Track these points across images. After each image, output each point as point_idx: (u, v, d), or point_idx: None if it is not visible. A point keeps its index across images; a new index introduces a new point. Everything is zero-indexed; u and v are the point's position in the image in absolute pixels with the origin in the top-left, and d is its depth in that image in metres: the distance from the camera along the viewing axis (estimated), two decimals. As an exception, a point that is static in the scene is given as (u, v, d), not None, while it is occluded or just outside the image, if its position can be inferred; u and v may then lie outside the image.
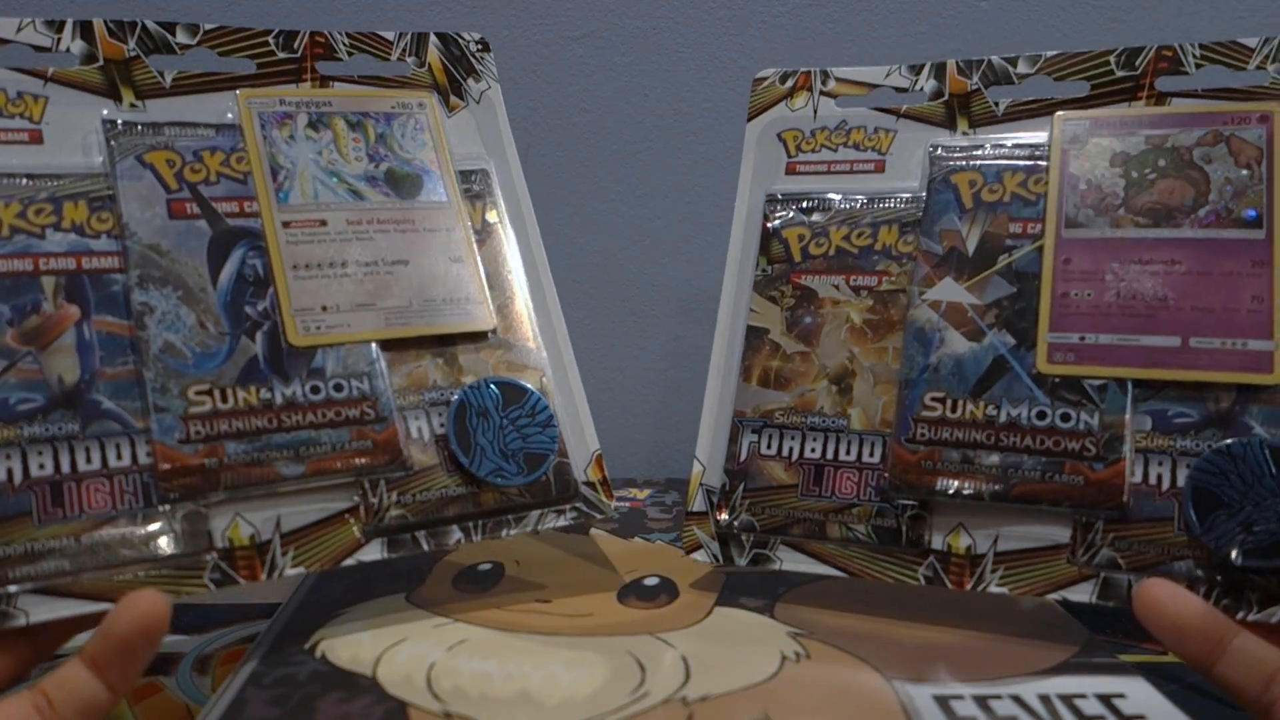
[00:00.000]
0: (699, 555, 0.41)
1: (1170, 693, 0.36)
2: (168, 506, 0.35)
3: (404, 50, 0.45)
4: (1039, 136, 0.41)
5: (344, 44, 0.44)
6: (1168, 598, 0.33)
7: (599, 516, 0.43)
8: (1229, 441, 0.35)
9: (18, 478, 0.34)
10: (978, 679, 0.37)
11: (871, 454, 0.39)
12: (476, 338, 0.43)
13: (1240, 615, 0.34)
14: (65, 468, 0.35)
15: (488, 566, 0.48)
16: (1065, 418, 0.37)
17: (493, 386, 0.42)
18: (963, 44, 0.70)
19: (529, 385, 0.43)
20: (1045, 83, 0.42)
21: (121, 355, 0.36)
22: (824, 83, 0.44)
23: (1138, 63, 0.41)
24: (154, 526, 0.35)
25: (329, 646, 0.40)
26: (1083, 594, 0.36)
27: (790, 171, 0.44)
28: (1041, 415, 0.37)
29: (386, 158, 0.43)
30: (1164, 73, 0.40)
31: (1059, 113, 0.41)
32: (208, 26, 0.42)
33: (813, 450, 0.40)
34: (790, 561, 0.40)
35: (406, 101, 0.45)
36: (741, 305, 0.43)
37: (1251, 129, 0.38)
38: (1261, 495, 0.34)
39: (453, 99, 0.46)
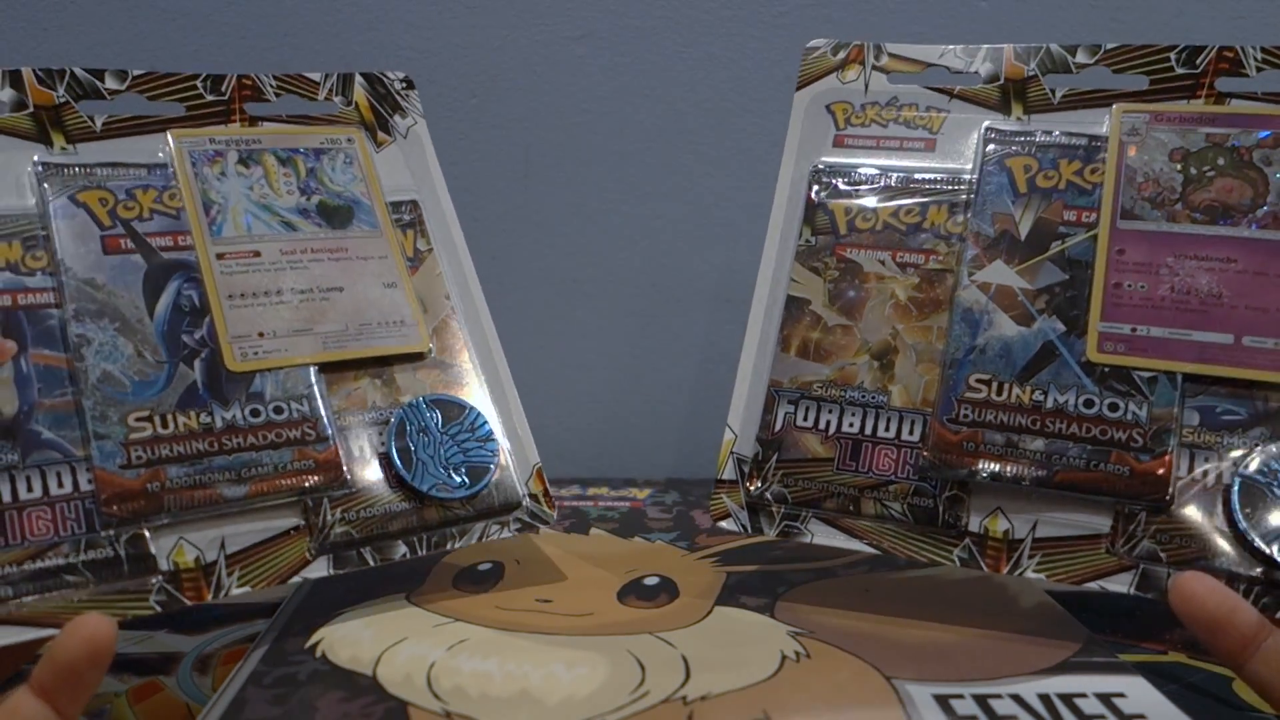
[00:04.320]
0: (727, 524, 0.40)
1: (1170, 693, 0.36)
2: (111, 531, 0.36)
3: (330, 90, 0.47)
4: (1096, 127, 0.41)
5: (271, 85, 0.46)
6: (1205, 591, 0.33)
7: (542, 527, 0.44)
8: (1279, 442, 0.35)
9: None
10: (978, 679, 0.37)
11: (911, 432, 0.39)
12: (413, 359, 0.44)
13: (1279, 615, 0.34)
14: (6, 497, 0.35)
15: (488, 566, 0.48)
16: (1113, 407, 0.36)
17: (430, 404, 0.43)
18: (962, 43, 0.70)
19: (467, 401, 0.44)
20: (1103, 74, 0.42)
21: (60, 387, 0.37)
22: (877, 57, 0.44)
23: (1198, 61, 0.41)
24: (97, 552, 0.35)
25: (329, 646, 0.40)
26: (1121, 584, 0.36)
27: (838, 144, 0.44)
28: (1089, 403, 0.37)
29: (317, 190, 0.45)
30: (1224, 73, 0.41)
31: (1118, 104, 0.41)
32: (136, 72, 0.44)
33: (851, 425, 0.39)
34: (821, 535, 0.39)
35: (335, 137, 0.46)
36: (782, 275, 0.42)
37: None
38: None
39: (380, 135, 0.48)
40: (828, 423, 0.40)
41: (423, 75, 0.70)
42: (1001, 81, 0.43)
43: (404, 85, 0.49)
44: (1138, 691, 0.36)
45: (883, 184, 0.42)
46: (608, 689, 0.36)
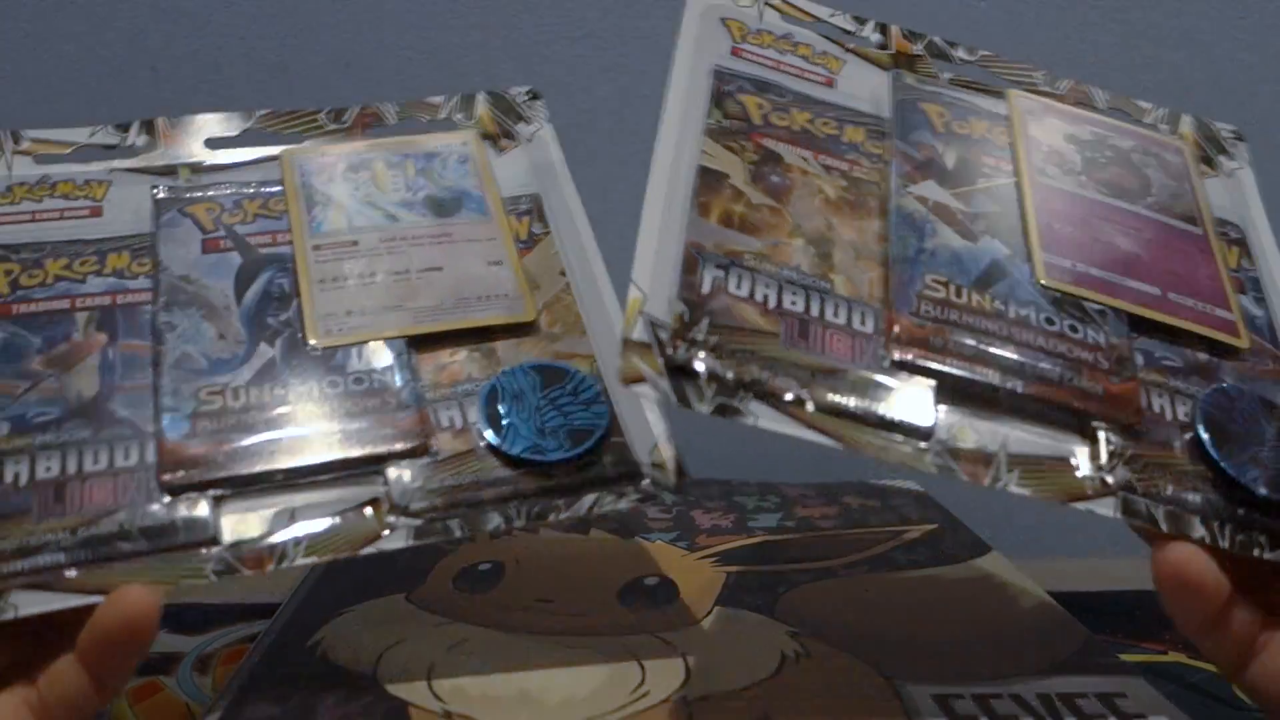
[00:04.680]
0: (641, 389, 0.33)
1: (1170, 693, 0.36)
2: (169, 498, 0.35)
3: (452, 110, 0.47)
4: (992, 105, 0.42)
5: (393, 111, 0.47)
6: (1200, 572, 0.31)
7: (669, 498, 0.40)
8: (1225, 384, 0.36)
9: (23, 481, 0.34)
10: (978, 679, 0.37)
11: (863, 323, 0.35)
12: (517, 331, 0.42)
13: (1256, 553, 0.33)
14: (71, 469, 0.35)
15: (488, 566, 0.48)
16: (1073, 329, 0.36)
17: (528, 369, 0.41)
18: (962, 44, 0.70)
19: (570, 366, 0.42)
20: (981, 73, 0.44)
21: (141, 371, 0.38)
22: None
23: (1058, 85, 0.44)
24: (154, 520, 0.35)
25: (329, 646, 0.40)
26: (1106, 508, 0.34)
27: (736, 55, 0.42)
28: (1050, 321, 0.36)
29: (425, 187, 0.44)
30: (1079, 104, 0.44)
31: (1012, 90, 0.43)
32: (260, 112, 0.45)
33: (794, 304, 0.35)
34: (767, 420, 0.33)
35: (449, 142, 0.46)
36: (687, 147, 0.38)
37: (1171, 154, 0.42)
38: (1264, 437, 0.34)
39: (503, 141, 0.48)
40: (766, 296, 0.35)
41: (422, 76, 0.70)
42: (892, 51, 0.44)
43: (528, 96, 0.50)
44: (1138, 691, 0.36)
45: (791, 98, 0.41)
46: (608, 689, 0.36)
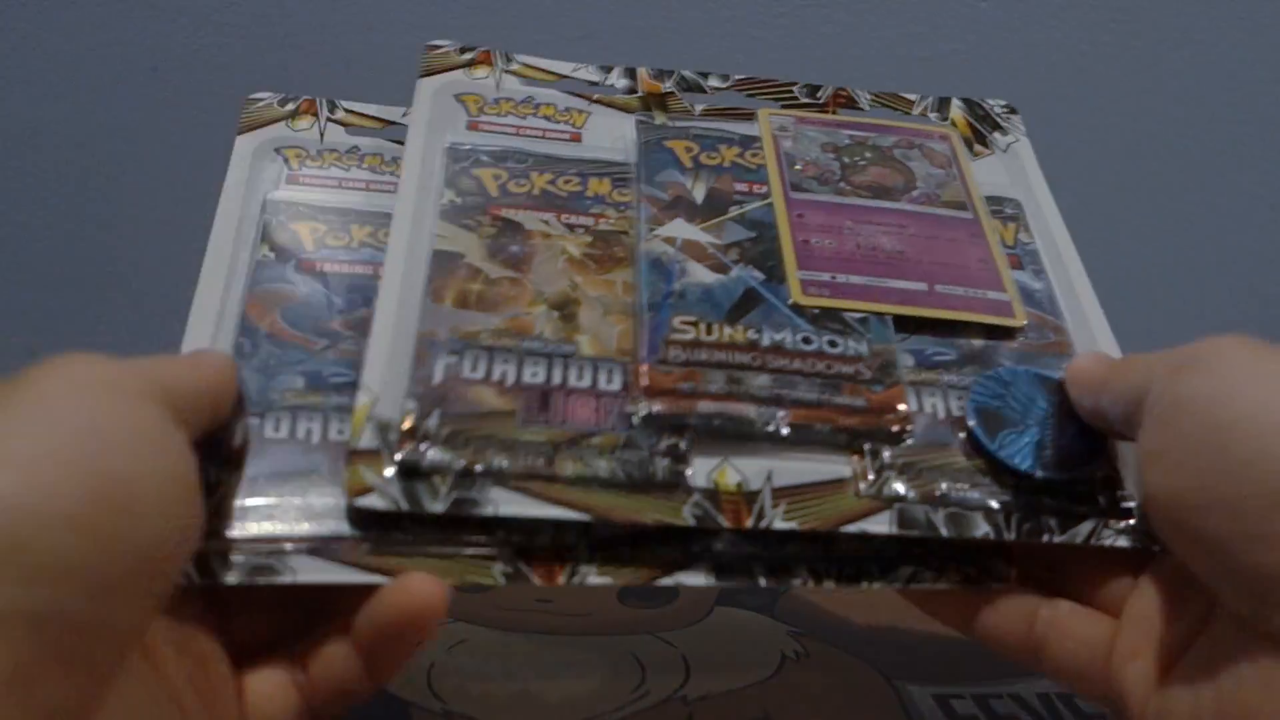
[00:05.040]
0: (370, 501, 0.31)
1: (1170, 692, 0.36)
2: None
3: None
4: (745, 129, 0.42)
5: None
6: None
7: None
8: (998, 369, 0.35)
9: (315, 439, 0.33)
10: (978, 679, 0.37)
11: (610, 381, 0.34)
12: None
13: (1046, 539, 0.32)
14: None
15: (488, 566, 0.48)
16: (832, 344, 0.35)
17: None
18: (963, 44, 0.70)
19: None
20: (737, 97, 0.44)
21: None
22: (506, 63, 0.44)
23: (819, 95, 0.44)
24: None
25: (329, 646, 0.40)
26: (881, 525, 0.32)
27: (474, 128, 0.42)
28: (807, 340, 0.35)
29: None
30: (842, 107, 0.44)
31: (763, 110, 0.43)
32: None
33: (535, 375, 0.34)
34: (509, 505, 0.31)
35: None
36: (422, 232, 0.38)
37: (936, 142, 0.42)
38: (1040, 417, 0.34)
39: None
40: (504, 373, 0.34)
41: (423, 75, 0.70)
42: (641, 94, 0.44)
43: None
44: (1137, 691, 0.36)
45: (531, 162, 0.41)
46: (608, 689, 0.36)
